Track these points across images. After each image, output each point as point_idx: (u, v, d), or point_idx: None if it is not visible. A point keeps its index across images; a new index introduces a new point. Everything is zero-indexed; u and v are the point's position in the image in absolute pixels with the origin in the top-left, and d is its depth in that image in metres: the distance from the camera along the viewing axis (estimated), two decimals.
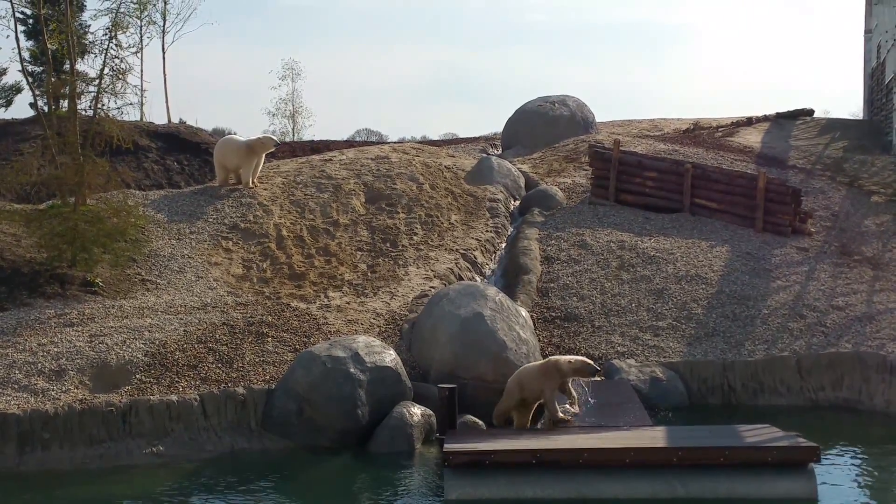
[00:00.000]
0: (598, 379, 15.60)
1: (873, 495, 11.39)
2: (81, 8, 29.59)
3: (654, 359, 16.21)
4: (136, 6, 28.67)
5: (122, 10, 19.21)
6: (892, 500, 11.24)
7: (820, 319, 17.16)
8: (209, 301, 16.52)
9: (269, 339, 15.30)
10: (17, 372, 13.57)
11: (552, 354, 16.25)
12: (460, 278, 18.63)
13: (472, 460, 10.93)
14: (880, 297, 17.99)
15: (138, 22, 29.93)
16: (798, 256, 19.73)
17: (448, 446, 11.19)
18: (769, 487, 10.71)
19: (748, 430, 11.72)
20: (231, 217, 19.93)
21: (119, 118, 19.91)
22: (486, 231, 21.04)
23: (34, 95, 21.78)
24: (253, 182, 21.30)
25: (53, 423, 12.69)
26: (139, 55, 30.53)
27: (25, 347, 14.19)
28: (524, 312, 16.40)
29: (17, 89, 32.20)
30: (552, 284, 18.52)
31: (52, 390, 13.30)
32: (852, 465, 12.54)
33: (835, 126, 30.17)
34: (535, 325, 16.75)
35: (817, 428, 13.93)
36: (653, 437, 11.62)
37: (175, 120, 33.23)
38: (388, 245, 19.72)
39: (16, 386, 13.29)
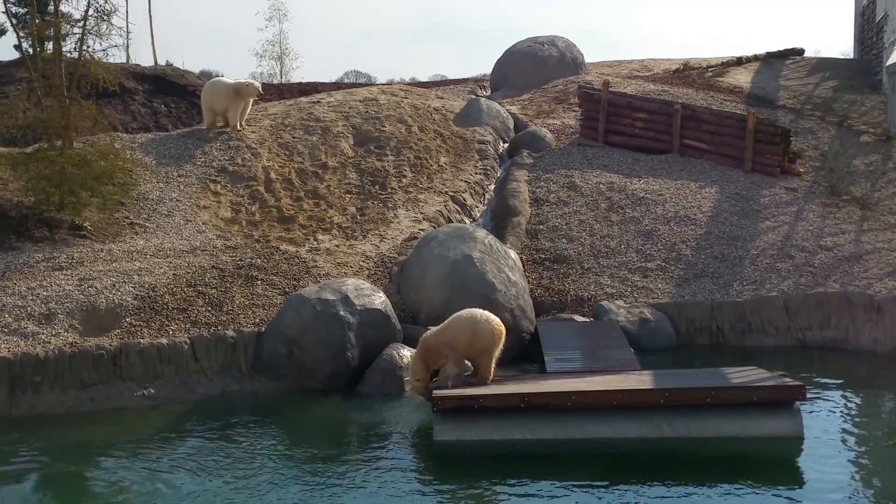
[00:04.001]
0: (587, 320, 15.71)
1: (859, 433, 11.51)
2: None
3: (643, 300, 16.27)
4: None
5: None
6: (877, 438, 11.36)
7: (808, 259, 17.22)
8: (198, 244, 16.50)
9: (259, 282, 15.31)
10: (6, 316, 13.58)
11: (542, 296, 16.35)
12: (449, 220, 18.63)
13: (461, 405, 10.98)
14: (868, 236, 18.05)
15: None
16: (787, 197, 19.76)
17: (437, 392, 11.22)
18: (755, 426, 10.81)
19: (734, 373, 11.79)
20: (219, 160, 19.84)
21: (105, 60, 19.70)
22: (476, 173, 21.00)
23: (18, 37, 21.63)
24: (241, 125, 21.17)
25: (44, 367, 12.72)
26: None
27: (15, 291, 14.18)
28: (513, 254, 16.43)
29: (0, 31, 31.86)
30: (541, 226, 18.53)
31: (42, 334, 13.32)
32: (838, 403, 12.66)
33: (825, 65, 30.03)
34: (524, 267, 16.79)
35: (804, 367, 14.05)
36: (640, 380, 11.69)
37: (161, 62, 32.99)
38: (377, 187, 19.68)
39: (6, 330, 13.30)
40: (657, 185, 19.86)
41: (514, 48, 29.49)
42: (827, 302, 15.97)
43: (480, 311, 12.00)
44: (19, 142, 19.76)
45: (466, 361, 11.98)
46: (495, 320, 11.87)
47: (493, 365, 11.89)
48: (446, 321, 12.00)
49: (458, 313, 11.99)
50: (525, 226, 18.60)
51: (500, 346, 11.90)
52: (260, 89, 21.26)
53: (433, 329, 12.11)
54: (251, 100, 21.54)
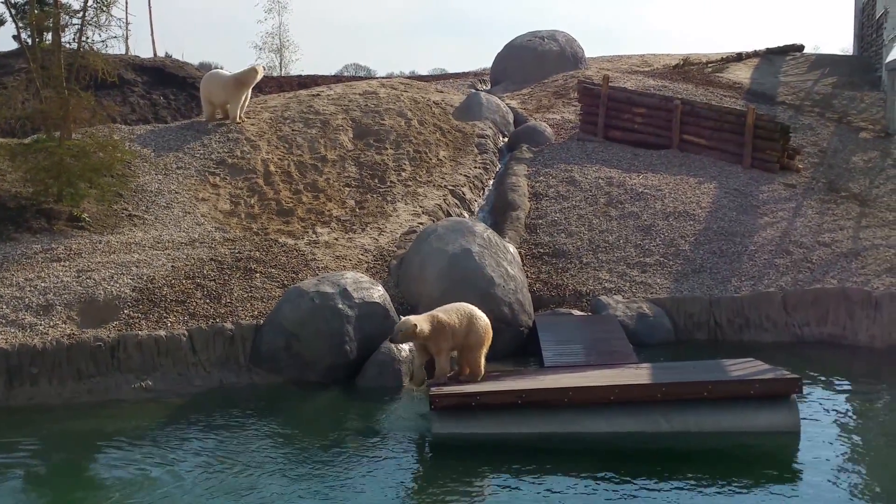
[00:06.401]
0: (585, 315, 15.71)
1: (855, 427, 11.53)
2: None
3: (642, 295, 16.27)
4: None
5: None
6: (873, 432, 11.38)
7: (806, 255, 17.22)
8: (197, 237, 16.50)
9: (258, 274, 15.30)
10: (4, 307, 13.57)
11: (540, 290, 16.35)
12: (448, 214, 18.62)
13: (458, 403, 10.97)
14: (866, 233, 18.05)
15: None
16: (785, 193, 19.76)
17: (434, 389, 11.18)
18: (752, 420, 10.83)
19: (732, 364, 11.81)
20: (218, 152, 19.82)
21: (104, 51, 19.68)
22: (475, 167, 21.00)
23: (17, 28, 21.50)
24: (240, 117, 21.15)
25: (41, 358, 12.73)
26: None
27: (12, 282, 14.18)
28: (512, 249, 16.43)
29: None
30: (540, 221, 18.53)
31: (40, 325, 13.31)
32: (835, 398, 12.67)
33: (824, 62, 30.05)
34: (522, 261, 16.78)
35: (801, 363, 14.03)
36: (637, 374, 11.70)
37: (161, 54, 32.90)
38: (376, 181, 19.67)
39: (3, 321, 13.30)
40: (656, 181, 19.86)
41: (514, 42, 29.50)
42: (825, 298, 15.97)
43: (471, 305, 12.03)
44: (18, 132, 19.75)
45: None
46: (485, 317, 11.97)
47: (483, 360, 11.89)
48: (446, 307, 11.85)
49: (455, 304, 11.94)
50: (524, 220, 18.60)
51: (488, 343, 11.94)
52: (261, 69, 21.16)
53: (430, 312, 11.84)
54: (250, 92, 21.52)
